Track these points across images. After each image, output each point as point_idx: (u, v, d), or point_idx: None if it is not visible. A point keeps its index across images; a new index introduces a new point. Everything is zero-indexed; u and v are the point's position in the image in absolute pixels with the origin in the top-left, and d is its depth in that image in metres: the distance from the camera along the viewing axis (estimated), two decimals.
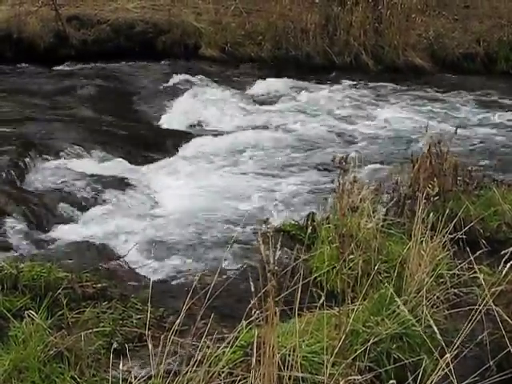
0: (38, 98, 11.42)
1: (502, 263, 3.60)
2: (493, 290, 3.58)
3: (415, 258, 4.57)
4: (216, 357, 3.67)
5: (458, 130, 7.25)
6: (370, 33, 14.01)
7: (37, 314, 4.09)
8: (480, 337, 3.87)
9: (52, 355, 3.98)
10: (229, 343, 3.76)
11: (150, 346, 3.58)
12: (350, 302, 4.10)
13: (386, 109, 11.63)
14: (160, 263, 6.14)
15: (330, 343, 3.82)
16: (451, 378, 3.27)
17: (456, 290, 4.58)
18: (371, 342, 3.97)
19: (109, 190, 7.88)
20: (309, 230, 5.09)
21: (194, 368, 3.57)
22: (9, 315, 4.26)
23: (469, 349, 3.98)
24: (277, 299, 3.46)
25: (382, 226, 5.31)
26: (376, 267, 4.49)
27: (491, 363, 3.88)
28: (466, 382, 3.40)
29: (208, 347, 3.68)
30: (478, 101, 12.32)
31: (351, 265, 4.86)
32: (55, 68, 13.57)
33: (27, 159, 8.45)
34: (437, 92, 12.76)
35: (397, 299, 3.95)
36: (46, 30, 14.21)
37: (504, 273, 3.61)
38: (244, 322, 3.68)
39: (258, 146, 9.77)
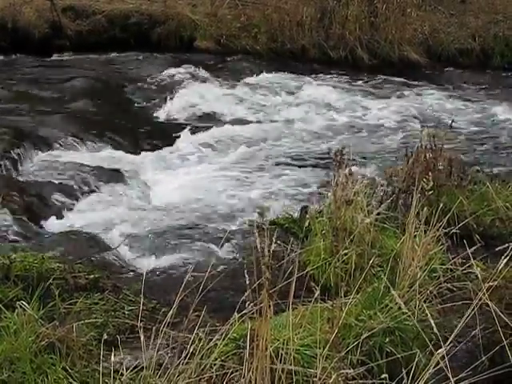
0: (32, 89, 11.36)
1: (502, 259, 3.59)
2: (487, 284, 3.57)
3: (409, 253, 4.57)
4: (208, 349, 3.66)
5: (453, 125, 7.27)
6: (365, 27, 13.98)
7: (29, 304, 4.07)
8: (473, 332, 3.86)
9: (43, 346, 3.96)
10: (221, 335, 3.75)
11: (142, 338, 3.56)
12: (343, 295, 4.09)
13: (381, 103, 11.61)
14: (153, 255, 6.12)
15: (323, 337, 3.81)
16: (446, 371, 3.26)
17: (449, 285, 4.57)
18: (364, 336, 3.96)
19: (102, 181, 7.86)
20: (305, 224, 5.08)
21: (186, 360, 3.56)
22: (0, 306, 4.24)
23: (462, 343, 3.98)
24: (270, 292, 3.45)
25: (376, 220, 5.30)
26: (370, 261, 4.47)
27: (484, 358, 3.87)
28: (459, 376, 3.39)
29: (200, 339, 3.66)
30: (472, 96, 12.33)
31: (345, 258, 4.85)
32: (50, 58, 13.52)
33: (21, 150, 8.42)
34: (432, 87, 12.76)
35: (393, 291, 3.93)
36: (41, 20, 14.15)
37: (499, 268, 3.60)
38: (237, 315, 3.67)
39: (253, 139, 9.75)
